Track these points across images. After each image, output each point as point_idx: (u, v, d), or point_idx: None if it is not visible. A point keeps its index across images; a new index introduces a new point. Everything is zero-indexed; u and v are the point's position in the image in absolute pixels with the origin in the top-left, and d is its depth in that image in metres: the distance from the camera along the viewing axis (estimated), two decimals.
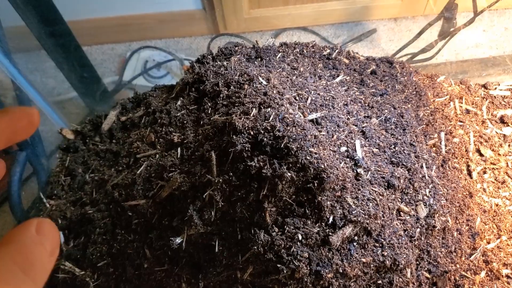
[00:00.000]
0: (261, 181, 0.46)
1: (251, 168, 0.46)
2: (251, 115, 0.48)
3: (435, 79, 0.76)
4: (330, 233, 0.45)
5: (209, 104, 0.56)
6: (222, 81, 0.56)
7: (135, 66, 1.37)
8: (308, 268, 0.45)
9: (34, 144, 0.79)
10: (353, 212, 0.46)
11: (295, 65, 0.62)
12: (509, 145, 0.73)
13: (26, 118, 0.32)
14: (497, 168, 0.70)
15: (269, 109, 0.48)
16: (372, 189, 0.48)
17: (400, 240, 0.49)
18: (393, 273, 0.50)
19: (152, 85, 0.75)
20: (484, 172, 0.69)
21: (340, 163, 0.47)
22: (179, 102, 0.62)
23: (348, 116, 0.53)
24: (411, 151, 0.53)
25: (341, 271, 0.46)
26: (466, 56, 1.24)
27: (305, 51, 0.65)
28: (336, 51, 0.65)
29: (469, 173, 0.66)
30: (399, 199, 0.51)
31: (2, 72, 0.85)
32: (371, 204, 0.47)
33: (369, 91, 0.60)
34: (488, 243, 0.62)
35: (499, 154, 0.72)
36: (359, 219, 0.46)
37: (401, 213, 0.51)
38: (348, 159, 0.48)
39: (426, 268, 0.54)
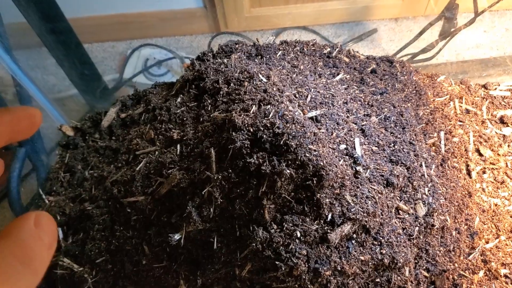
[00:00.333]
0: (260, 178, 0.46)
1: (250, 165, 0.46)
2: (251, 112, 0.48)
3: (435, 78, 0.76)
4: (328, 231, 0.45)
5: (209, 101, 0.56)
6: (222, 78, 0.56)
7: (136, 64, 1.37)
8: (306, 266, 0.45)
9: (34, 140, 0.79)
10: (352, 210, 0.46)
11: (295, 63, 0.62)
12: (508, 146, 0.73)
13: (28, 119, 0.33)
14: (496, 168, 0.70)
15: (268, 106, 0.48)
16: (371, 187, 0.48)
17: (398, 238, 0.49)
18: (391, 272, 0.50)
19: (152, 83, 0.75)
20: (484, 172, 0.69)
21: (339, 160, 0.47)
22: (179, 99, 0.62)
23: (348, 114, 0.53)
24: (410, 149, 0.53)
25: (339, 268, 0.46)
26: (466, 57, 1.24)
27: (305, 49, 0.65)
28: (337, 49, 0.65)
29: (469, 173, 0.66)
30: (398, 197, 0.51)
31: (3, 68, 0.85)
32: (370, 202, 0.47)
33: (369, 89, 0.60)
34: (487, 242, 0.62)
35: (498, 154, 0.72)
36: (357, 217, 0.46)
37: (400, 211, 0.51)
38: (347, 156, 0.48)
39: (424, 267, 0.54)
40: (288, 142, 0.45)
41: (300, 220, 0.46)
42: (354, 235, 0.47)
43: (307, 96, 0.51)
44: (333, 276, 0.46)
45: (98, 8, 1.42)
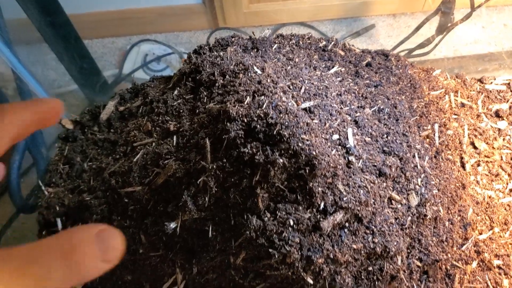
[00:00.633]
0: (254, 167, 0.47)
1: (244, 154, 0.46)
2: (245, 103, 0.49)
3: (431, 72, 0.77)
4: (321, 219, 0.46)
5: (205, 93, 0.57)
6: (218, 70, 0.57)
7: (135, 59, 1.38)
8: (299, 253, 0.46)
9: (34, 134, 0.80)
10: (344, 199, 0.46)
11: (290, 56, 0.62)
12: (503, 139, 0.74)
13: (52, 108, 0.36)
14: (491, 161, 0.71)
15: (262, 97, 0.48)
16: (363, 177, 0.49)
17: (391, 227, 0.50)
18: (384, 260, 0.50)
19: (150, 77, 0.75)
20: (478, 165, 0.70)
21: (332, 150, 0.48)
22: (175, 92, 0.62)
23: (342, 106, 0.54)
24: (403, 141, 0.54)
25: (331, 256, 0.47)
26: (464, 52, 1.25)
27: (301, 42, 0.65)
28: (332, 43, 0.66)
29: (463, 165, 0.67)
30: (390, 187, 0.52)
31: (3, 63, 0.86)
32: (362, 191, 0.48)
33: (364, 82, 0.61)
34: (480, 234, 0.63)
35: (493, 148, 0.72)
36: (350, 206, 0.46)
37: (392, 201, 0.52)
38: (340, 147, 0.48)
39: (417, 257, 0.55)
40: (281, 132, 0.46)
41: (293, 208, 0.46)
42: (347, 224, 0.48)
43: (301, 88, 0.52)
44: (326, 264, 0.47)
45: (98, 4, 1.43)
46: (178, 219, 0.51)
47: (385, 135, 0.53)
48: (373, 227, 0.49)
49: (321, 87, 0.54)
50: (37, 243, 0.26)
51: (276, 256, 0.46)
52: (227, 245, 0.49)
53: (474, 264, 0.61)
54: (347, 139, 0.48)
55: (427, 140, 0.63)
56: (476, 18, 1.37)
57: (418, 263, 0.54)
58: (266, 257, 0.47)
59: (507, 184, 0.69)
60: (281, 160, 0.45)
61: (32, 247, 0.26)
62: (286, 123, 0.46)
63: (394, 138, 0.53)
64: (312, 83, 0.54)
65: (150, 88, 0.71)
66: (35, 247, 0.26)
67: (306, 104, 0.49)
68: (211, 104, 0.53)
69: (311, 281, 0.47)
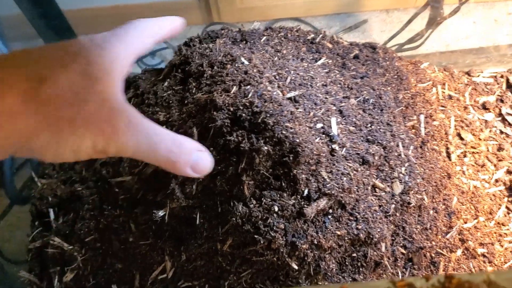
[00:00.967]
0: (239, 155, 0.48)
1: (230, 142, 0.47)
2: (231, 92, 0.50)
3: (419, 65, 0.78)
4: (305, 206, 0.47)
5: (193, 84, 0.58)
6: (207, 61, 0.58)
7: None
8: (284, 239, 0.47)
9: None
10: (328, 186, 0.47)
11: (278, 48, 0.63)
12: (490, 130, 0.75)
13: (176, 23, 0.44)
14: (477, 152, 0.72)
15: (248, 86, 0.49)
16: (347, 164, 0.50)
17: (374, 215, 0.51)
18: (368, 247, 0.51)
19: (142, 69, 0.76)
20: (464, 156, 0.71)
21: (316, 138, 0.49)
22: (165, 83, 0.63)
23: (327, 96, 0.55)
24: (387, 130, 0.55)
25: (316, 242, 0.48)
26: (456, 48, 1.26)
27: (289, 35, 0.66)
28: (320, 36, 0.67)
29: (448, 156, 0.68)
30: (374, 175, 0.53)
31: None
32: (345, 178, 0.49)
33: (350, 73, 0.62)
34: (465, 222, 0.64)
35: (479, 139, 0.73)
36: (333, 192, 0.47)
37: (376, 189, 0.53)
38: (323, 135, 0.49)
39: (401, 244, 0.56)
40: (265, 120, 0.47)
41: (278, 195, 0.48)
42: (330, 211, 0.49)
43: (286, 78, 0.53)
44: (310, 250, 0.48)
45: (93, 0, 1.44)
46: (167, 208, 0.52)
47: (369, 125, 0.54)
48: (357, 214, 0.50)
49: (307, 78, 0.55)
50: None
51: (262, 242, 0.47)
52: (214, 232, 0.50)
53: (459, 252, 0.62)
54: (331, 128, 0.50)
55: (413, 130, 0.64)
56: (467, 13, 1.38)
57: (403, 250, 0.56)
58: (252, 243, 0.48)
59: (493, 174, 0.70)
60: (265, 148, 0.46)
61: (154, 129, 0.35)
62: (271, 112, 0.47)
63: (378, 127, 0.54)
64: (298, 74, 0.55)
65: (142, 80, 0.72)
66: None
67: (291, 94, 0.51)
68: (199, 94, 0.54)
69: (295, 267, 0.48)
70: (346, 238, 0.49)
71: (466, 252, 0.63)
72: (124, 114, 0.33)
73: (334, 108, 0.53)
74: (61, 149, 0.31)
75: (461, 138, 0.72)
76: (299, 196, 0.48)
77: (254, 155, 0.47)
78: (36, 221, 0.68)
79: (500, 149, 0.73)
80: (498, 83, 0.81)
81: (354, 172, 0.49)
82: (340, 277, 0.51)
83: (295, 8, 1.39)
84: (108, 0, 1.45)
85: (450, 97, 0.76)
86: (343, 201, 0.48)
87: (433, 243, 0.59)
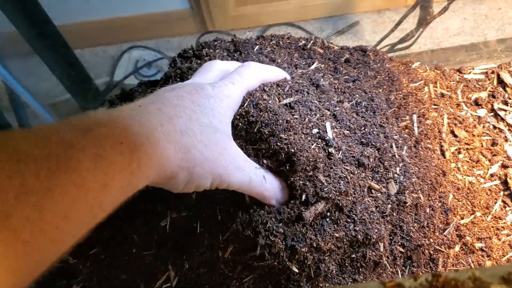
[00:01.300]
0: None
1: None
2: None
3: (410, 65, 0.79)
4: (303, 210, 0.48)
5: None
6: None
7: (127, 66, 1.40)
8: (284, 243, 0.48)
9: None
10: (325, 189, 0.49)
11: (272, 57, 0.65)
12: (483, 126, 0.76)
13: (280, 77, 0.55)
14: (471, 148, 0.73)
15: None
16: (344, 168, 0.51)
17: (371, 216, 0.52)
18: (366, 247, 0.53)
19: (138, 82, 0.78)
20: (459, 152, 0.72)
21: (312, 144, 0.50)
22: None
23: (321, 101, 0.56)
24: (380, 132, 0.56)
25: (315, 245, 0.49)
26: (448, 45, 1.27)
27: (281, 42, 0.68)
28: (311, 42, 0.68)
29: (443, 153, 0.69)
30: (370, 177, 0.54)
31: None
32: (342, 182, 0.50)
33: (343, 77, 0.63)
34: (462, 218, 0.65)
35: (473, 135, 0.74)
36: (330, 196, 0.49)
37: (372, 190, 0.54)
38: (319, 140, 0.51)
39: (399, 243, 0.57)
40: (261, 129, 0.48)
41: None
42: (328, 213, 0.50)
43: (285, 87, 0.54)
44: (310, 253, 0.49)
45: (87, 13, 1.46)
46: (167, 218, 0.53)
47: (363, 127, 0.56)
48: (354, 215, 0.51)
49: (305, 84, 0.56)
50: None
51: (262, 247, 0.48)
52: (215, 240, 0.52)
53: (457, 248, 0.63)
54: (326, 132, 0.51)
55: (406, 130, 0.65)
56: (458, 10, 1.39)
57: (401, 249, 0.57)
58: (253, 248, 0.49)
59: (488, 169, 0.71)
60: (264, 161, 0.48)
61: None
62: (266, 121, 0.48)
63: (371, 129, 0.55)
64: (297, 82, 0.56)
65: (138, 93, 0.74)
66: None
67: (286, 100, 0.52)
68: None
69: (296, 270, 0.49)
70: (344, 239, 0.50)
71: (464, 247, 0.63)
72: (235, 158, 0.44)
73: (329, 113, 0.54)
74: (189, 185, 0.40)
75: (455, 135, 0.73)
76: (297, 202, 0.49)
77: None
78: None
79: (494, 144, 0.74)
80: (489, 79, 0.82)
81: (351, 175, 0.50)
82: (340, 278, 0.52)
83: (287, 13, 1.41)
84: (101, 14, 1.46)
85: (442, 95, 0.78)
86: (340, 204, 0.50)
87: (431, 240, 0.60)
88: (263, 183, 0.46)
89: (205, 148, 0.40)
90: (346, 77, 0.64)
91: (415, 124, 0.66)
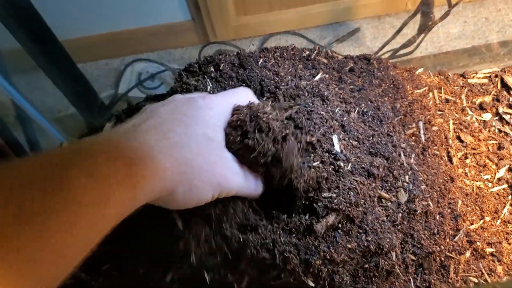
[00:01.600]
0: None
1: None
2: None
3: (414, 72, 0.80)
4: (314, 222, 0.48)
5: None
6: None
7: (130, 79, 1.41)
8: (298, 258, 0.48)
9: None
10: (335, 201, 0.49)
11: (276, 70, 0.65)
12: (489, 130, 0.76)
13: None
14: (478, 153, 0.73)
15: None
16: (353, 179, 0.51)
17: (383, 225, 0.53)
18: (379, 257, 0.53)
19: (144, 96, 0.78)
20: (466, 158, 0.72)
21: (315, 162, 0.50)
22: None
23: (328, 112, 0.56)
24: (388, 141, 0.56)
25: (328, 257, 0.49)
26: (449, 48, 1.28)
27: (285, 54, 0.68)
28: (315, 52, 0.69)
29: (450, 159, 0.69)
30: (379, 187, 0.54)
31: (2, 93, 0.89)
32: (352, 193, 0.50)
33: (348, 87, 0.64)
34: (471, 224, 0.65)
35: (479, 140, 0.75)
36: (340, 207, 0.49)
37: (382, 200, 0.54)
38: (326, 153, 0.51)
39: (411, 251, 0.57)
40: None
41: (285, 216, 0.49)
42: (340, 225, 0.50)
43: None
44: (324, 265, 0.49)
45: (89, 28, 1.47)
46: (173, 272, 0.52)
47: (371, 137, 0.56)
48: (365, 226, 0.51)
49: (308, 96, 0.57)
50: None
51: (278, 264, 0.47)
52: (227, 278, 0.50)
53: (468, 253, 0.63)
54: (333, 146, 0.51)
55: (413, 138, 0.66)
56: (458, 13, 1.40)
57: (413, 257, 0.57)
58: (268, 268, 0.49)
59: (495, 173, 0.71)
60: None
61: None
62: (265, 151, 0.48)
63: (379, 139, 0.56)
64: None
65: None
66: None
67: (288, 112, 0.52)
68: None
69: (312, 284, 0.49)
70: (357, 250, 0.51)
71: (474, 253, 0.64)
72: (231, 165, 0.44)
73: (337, 124, 0.55)
74: (189, 201, 0.41)
75: (461, 141, 0.73)
76: (306, 216, 0.49)
77: None
78: None
79: (500, 148, 0.74)
80: (493, 83, 0.83)
81: (361, 186, 0.51)
82: None
83: (288, 22, 1.42)
84: (104, 27, 1.48)
85: (447, 100, 0.78)
86: (351, 215, 0.50)
87: (442, 247, 0.60)
88: (255, 184, 0.48)
89: (202, 160, 0.40)
90: (352, 86, 0.64)
91: (422, 131, 0.67)
